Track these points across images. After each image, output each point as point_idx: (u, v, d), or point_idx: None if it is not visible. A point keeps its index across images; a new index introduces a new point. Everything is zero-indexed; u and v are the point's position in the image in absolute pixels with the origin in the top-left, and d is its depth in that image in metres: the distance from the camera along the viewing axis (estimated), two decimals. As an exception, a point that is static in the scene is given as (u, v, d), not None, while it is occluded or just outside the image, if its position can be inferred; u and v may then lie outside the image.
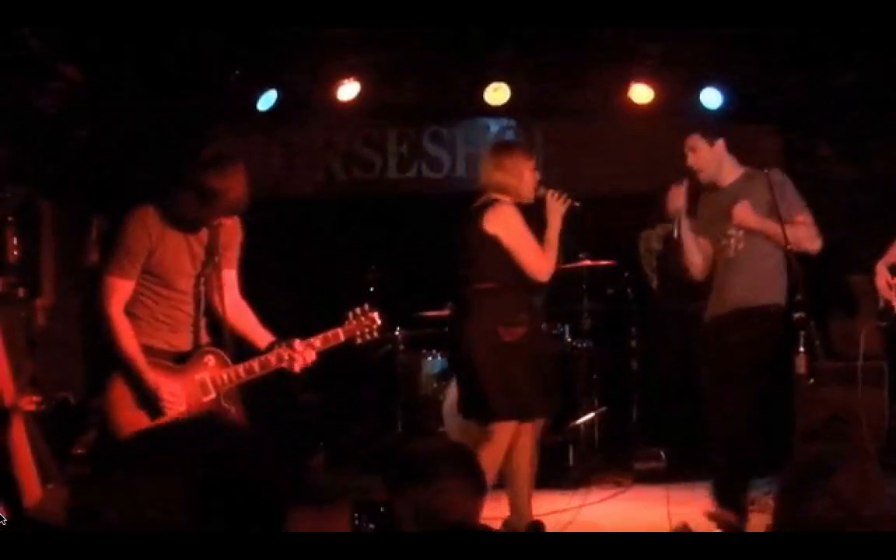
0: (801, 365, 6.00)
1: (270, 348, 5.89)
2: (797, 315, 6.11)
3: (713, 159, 6.90)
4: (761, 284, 6.67)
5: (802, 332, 6.01)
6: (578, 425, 9.32)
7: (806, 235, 6.71)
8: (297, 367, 5.84)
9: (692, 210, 7.01)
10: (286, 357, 5.83)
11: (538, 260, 6.69)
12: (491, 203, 6.75)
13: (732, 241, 6.73)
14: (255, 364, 5.85)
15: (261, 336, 5.98)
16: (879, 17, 7.54)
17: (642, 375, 9.80)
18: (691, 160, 6.93)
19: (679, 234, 6.97)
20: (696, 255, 6.98)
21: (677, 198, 6.95)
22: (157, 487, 2.12)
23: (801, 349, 5.99)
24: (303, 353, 5.83)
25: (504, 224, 6.68)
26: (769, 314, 6.62)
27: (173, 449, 2.20)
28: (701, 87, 9.84)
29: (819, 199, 7.09)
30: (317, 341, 5.90)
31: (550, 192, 6.78)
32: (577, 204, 6.74)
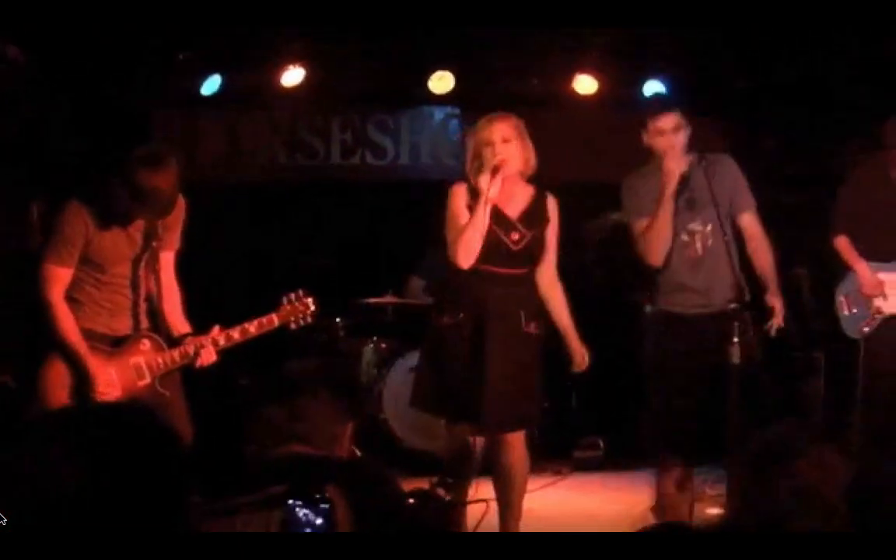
0: (734, 355, 5.87)
1: (182, 339, 5.91)
2: (731, 306, 6.01)
3: (682, 142, 6.35)
4: (731, 283, 6.33)
5: (737, 323, 5.91)
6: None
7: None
8: (197, 363, 5.84)
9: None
10: (191, 351, 5.84)
11: (452, 244, 6.05)
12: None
13: (698, 236, 6.36)
14: (189, 348, 5.86)
15: (179, 324, 5.98)
16: (822, 12, 7.58)
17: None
18: (677, 139, 6.29)
19: (663, 207, 6.21)
20: (669, 235, 6.31)
21: (683, 163, 6.24)
22: (50, 468, 2.10)
23: (736, 340, 5.87)
24: (207, 351, 5.84)
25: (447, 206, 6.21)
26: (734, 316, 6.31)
27: (69, 432, 2.18)
28: (645, 79, 9.87)
29: (762, 193, 6.97)
30: (251, 327, 5.89)
31: (482, 175, 6.00)
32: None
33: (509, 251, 6.08)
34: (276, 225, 10.39)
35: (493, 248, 6.01)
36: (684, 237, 6.31)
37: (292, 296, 6.04)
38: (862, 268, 7.45)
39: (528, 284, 6.19)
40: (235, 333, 5.89)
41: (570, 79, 10.00)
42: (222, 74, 9.59)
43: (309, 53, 9.54)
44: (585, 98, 10.08)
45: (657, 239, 6.23)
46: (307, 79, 9.73)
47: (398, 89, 10.45)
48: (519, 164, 6.08)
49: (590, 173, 10.41)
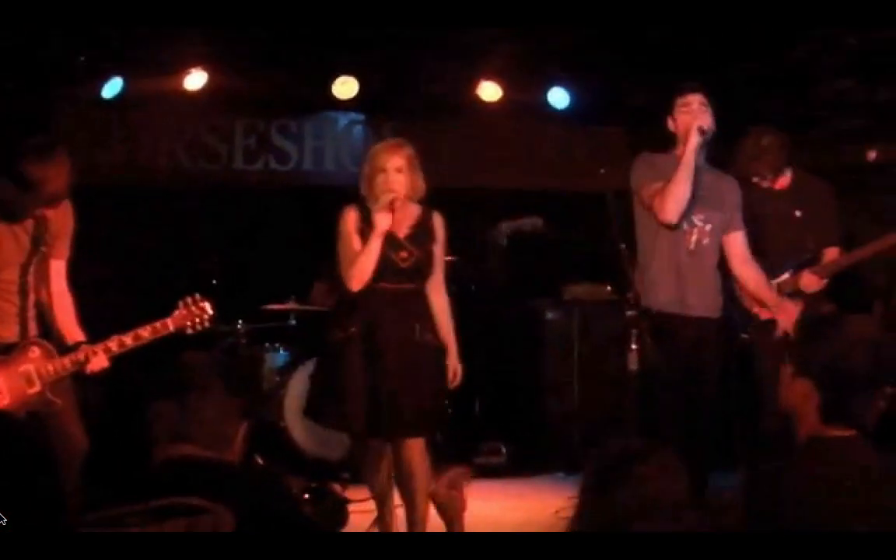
0: (632, 362, 5.90)
1: (76, 347, 5.84)
2: (629, 313, 6.02)
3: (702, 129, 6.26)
4: (716, 294, 6.44)
5: (634, 330, 5.94)
6: None
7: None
8: (88, 369, 5.80)
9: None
10: (82, 358, 5.79)
11: (345, 268, 6.23)
12: None
13: (696, 230, 6.32)
14: (80, 355, 5.80)
15: (72, 333, 5.92)
16: (727, 24, 7.64)
17: (485, 371, 9.61)
18: (701, 115, 6.25)
19: (687, 161, 6.14)
20: (688, 193, 6.20)
21: (706, 119, 6.21)
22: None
23: (634, 346, 5.91)
24: (98, 357, 5.80)
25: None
26: (716, 327, 6.47)
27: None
28: (549, 86, 9.97)
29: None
30: (144, 332, 5.84)
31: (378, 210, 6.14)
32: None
33: (398, 268, 6.21)
34: (178, 230, 10.26)
35: (382, 267, 6.16)
36: (685, 226, 6.30)
37: (188, 300, 5.99)
38: None
39: (420, 298, 6.32)
40: (128, 339, 5.83)
41: (474, 85, 10.03)
42: (124, 77, 9.48)
43: (212, 57, 9.45)
44: (490, 105, 10.08)
45: (675, 194, 6.16)
46: (210, 82, 9.65)
47: (302, 94, 10.38)
48: (409, 192, 6.23)
49: (494, 180, 10.54)
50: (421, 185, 6.30)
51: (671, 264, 6.28)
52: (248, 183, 10.56)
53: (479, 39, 9.22)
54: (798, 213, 7.32)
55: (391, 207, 6.08)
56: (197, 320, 5.99)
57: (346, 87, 9.96)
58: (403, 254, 6.23)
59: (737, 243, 6.48)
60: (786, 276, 7.26)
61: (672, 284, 6.27)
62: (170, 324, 5.91)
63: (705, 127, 6.15)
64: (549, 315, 9.74)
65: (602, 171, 7.21)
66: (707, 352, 6.33)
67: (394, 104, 10.37)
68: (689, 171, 6.14)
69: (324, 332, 6.55)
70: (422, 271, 6.30)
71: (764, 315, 6.96)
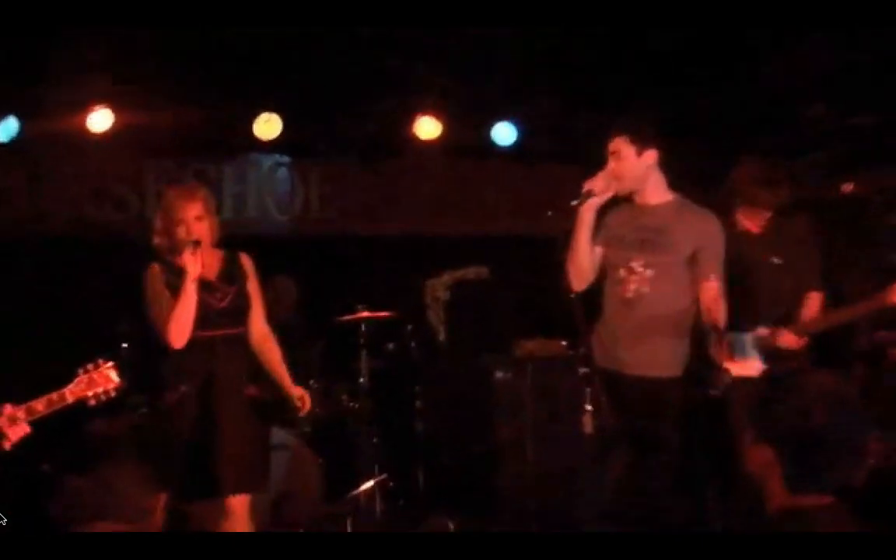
0: (587, 424, 5.59)
1: None
2: (582, 370, 5.70)
3: (639, 170, 6.09)
4: (660, 350, 6.05)
5: (589, 389, 5.59)
6: (357, 495, 8.73)
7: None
8: (6, 445, 5.28)
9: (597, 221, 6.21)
10: None
11: (163, 326, 6.08)
12: None
13: (635, 278, 6.04)
14: None
15: None
16: (675, 56, 7.70)
17: (429, 437, 9.33)
18: (612, 166, 6.07)
19: (577, 226, 6.03)
20: (586, 258, 6.10)
21: (598, 181, 6.00)
22: None
23: (588, 407, 5.59)
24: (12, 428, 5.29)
25: None
26: (663, 388, 6.05)
27: None
28: (493, 121, 9.69)
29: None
30: (38, 405, 5.30)
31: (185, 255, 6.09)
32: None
33: (217, 311, 6.21)
34: (83, 284, 9.66)
35: (200, 314, 6.11)
36: (622, 273, 6.08)
37: (89, 366, 5.46)
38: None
39: (245, 345, 6.35)
40: (20, 413, 5.31)
41: (410, 122, 9.68)
42: (20, 118, 8.93)
43: (117, 93, 8.95)
44: (428, 143, 9.72)
45: (570, 262, 6.04)
46: (116, 123, 9.12)
47: (221, 134, 9.85)
48: (210, 238, 6.24)
49: (434, 226, 10.38)
50: (217, 229, 6.33)
51: (606, 316, 6.17)
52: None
53: (416, 71, 8.93)
54: (776, 260, 6.94)
55: (197, 248, 6.09)
56: (100, 390, 5.47)
57: (268, 126, 9.52)
58: (218, 295, 6.25)
59: (703, 287, 6.04)
60: (764, 331, 6.84)
61: (606, 338, 6.12)
62: (67, 395, 5.38)
63: (594, 190, 5.97)
64: (499, 374, 9.24)
65: (550, 213, 6.95)
66: (658, 415, 6.00)
67: (322, 144, 10.03)
68: (580, 239, 6.04)
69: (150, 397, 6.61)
70: (241, 309, 6.33)
71: (737, 370, 6.42)
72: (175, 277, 6.08)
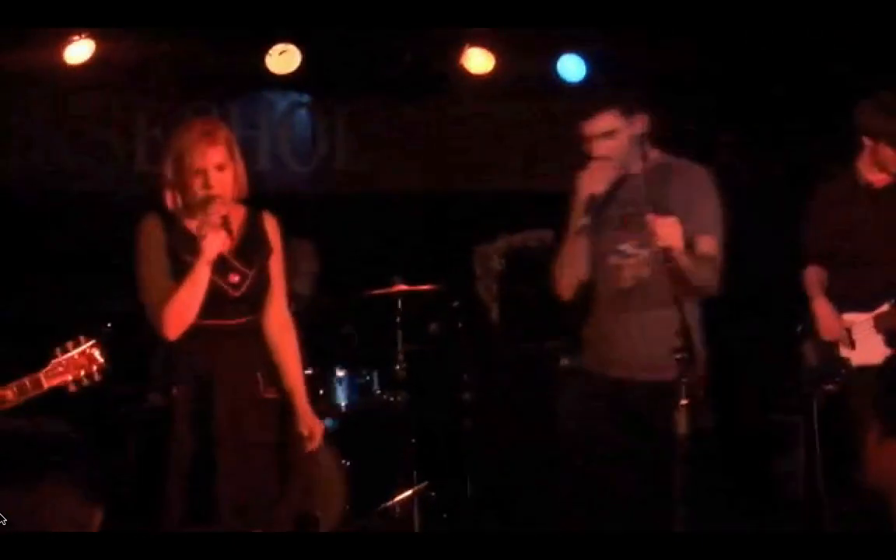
0: (680, 423, 5.12)
1: None
2: (676, 356, 5.16)
3: (633, 144, 5.76)
4: (656, 350, 5.53)
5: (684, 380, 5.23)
6: (391, 507, 8.09)
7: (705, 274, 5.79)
8: None
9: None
10: None
11: (155, 308, 5.38)
12: None
13: (630, 263, 5.72)
14: None
15: None
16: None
17: (479, 438, 8.56)
18: (604, 148, 5.73)
19: (573, 232, 5.81)
20: (582, 265, 5.87)
21: (599, 179, 5.72)
22: None
23: (683, 401, 5.17)
24: None
25: None
26: (658, 394, 5.54)
27: None
28: (558, 53, 8.93)
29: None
30: (8, 392, 5.16)
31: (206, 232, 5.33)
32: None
33: (230, 298, 5.42)
34: (58, 249, 9.09)
35: (208, 298, 5.35)
36: (613, 260, 5.80)
37: (68, 345, 5.24)
38: (820, 305, 6.72)
39: (258, 336, 5.62)
40: None
41: (458, 54, 8.95)
42: None
43: (101, 19, 8.00)
44: (478, 79, 9.05)
45: (560, 268, 5.90)
46: (97, 54, 8.47)
47: (226, 69, 9.18)
48: (234, 192, 5.41)
49: (487, 180, 9.78)
50: (244, 180, 5.49)
51: (597, 316, 5.92)
52: (151, 189, 9.07)
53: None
54: None
55: (224, 225, 5.30)
56: (82, 373, 5.25)
57: (284, 59, 8.88)
58: (234, 277, 5.44)
59: (699, 249, 5.80)
60: (885, 306, 6.54)
61: (600, 342, 5.90)
62: (43, 380, 5.20)
63: (593, 189, 5.72)
64: (565, 361, 8.32)
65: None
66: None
67: (349, 80, 9.34)
68: (576, 244, 5.82)
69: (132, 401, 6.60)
70: (259, 297, 5.55)
71: (857, 360, 6.47)
72: (182, 242, 5.29)
